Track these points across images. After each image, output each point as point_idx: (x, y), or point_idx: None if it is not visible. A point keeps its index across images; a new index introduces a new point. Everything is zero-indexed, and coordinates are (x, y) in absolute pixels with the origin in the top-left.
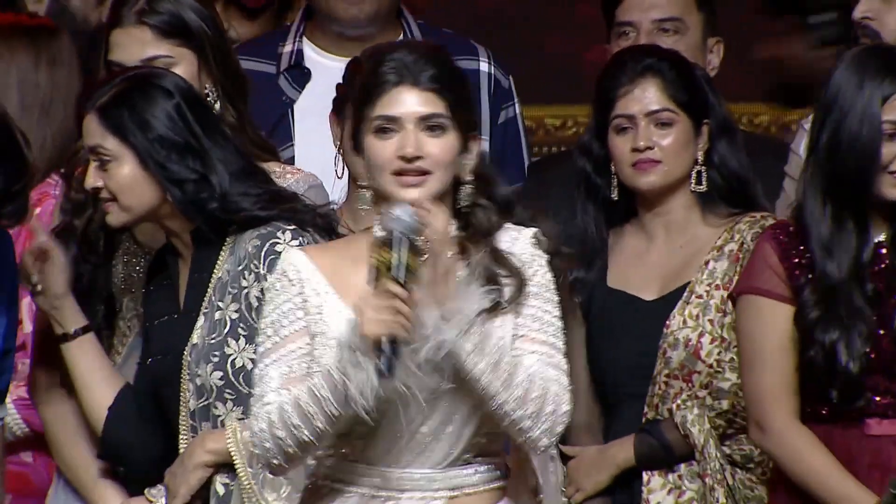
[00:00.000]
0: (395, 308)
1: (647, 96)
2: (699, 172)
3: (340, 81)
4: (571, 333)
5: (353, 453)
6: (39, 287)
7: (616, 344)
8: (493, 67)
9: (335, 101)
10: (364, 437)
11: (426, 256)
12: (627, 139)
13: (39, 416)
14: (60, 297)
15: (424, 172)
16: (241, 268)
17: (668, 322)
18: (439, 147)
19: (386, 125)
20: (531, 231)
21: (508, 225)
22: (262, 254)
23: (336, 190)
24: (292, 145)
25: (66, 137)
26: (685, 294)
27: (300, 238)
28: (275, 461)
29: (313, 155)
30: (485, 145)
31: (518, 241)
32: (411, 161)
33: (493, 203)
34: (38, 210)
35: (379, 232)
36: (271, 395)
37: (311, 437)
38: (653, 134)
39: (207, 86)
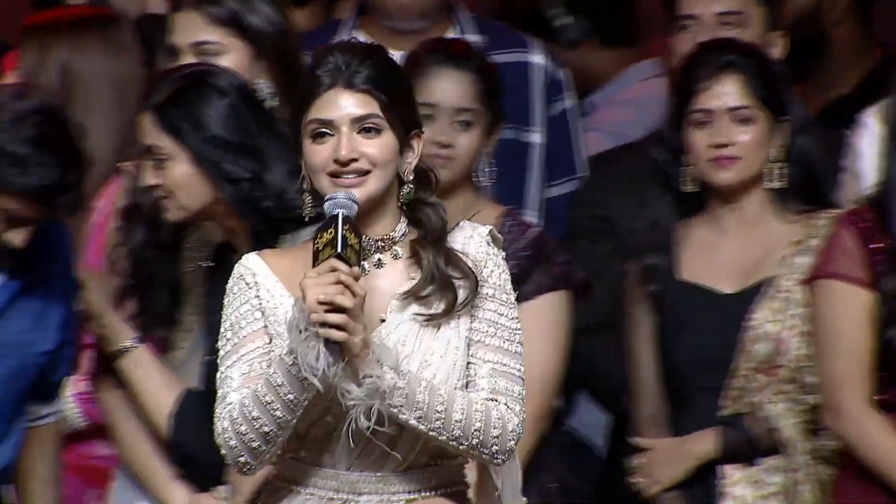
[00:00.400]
0: (337, 279)
1: (728, 92)
2: (776, 169)
3: None
4: (639, 324)
5: (310, 456)
6: (84, 313)
7: (690, 336)
8: (546, 60)
9: None
10: (320, 441)
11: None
12: (706, 134)
13: (100, 406)
14: (103, 316)
15: (364, 172)
16: None
17: (750, 316)
18: (375, 147)
19: (321, 128)
20: (486, 228)
21: (463, 223)
22: None
23: None
24: None
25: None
26: (768, 288)
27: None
28: (241, 458)
29: None
30: (536, 137)
31: (472, 240)
32: (346, 164)
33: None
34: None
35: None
36: (232, 395)
37: (272, 428)
38: (732, 130)
39: (262, 81)
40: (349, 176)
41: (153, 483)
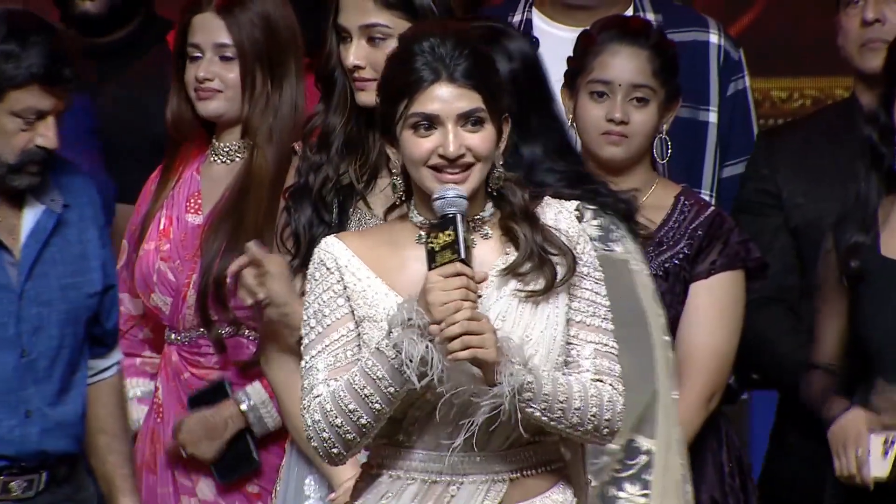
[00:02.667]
0: (464, 286)
1: None
2: None
3: (570, 53)
4: (829, 298)
5: (408, 439)
6: (266, 300)
7: (890, 314)
8: (722, 39)
9: (566, 74)
10: (420, 423)
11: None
12: None
13: (269, 381)
14: (287, 304)
15: (468, 166)
16: None
17: None
18: (479, 140)
19: (424, 121)
20: (573, 204)
21: (549, 199)
22: None
23: None
24: None
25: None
26: None
27: (600, 219)
28: (334, 450)
29: None
30: (712, 117)
31: (562, 215)
32: (454, 161)
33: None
34: None
35: (417, 216)
36: (320, 387)
37: (370, 420)
38: None
39: None
40: (453, 170)
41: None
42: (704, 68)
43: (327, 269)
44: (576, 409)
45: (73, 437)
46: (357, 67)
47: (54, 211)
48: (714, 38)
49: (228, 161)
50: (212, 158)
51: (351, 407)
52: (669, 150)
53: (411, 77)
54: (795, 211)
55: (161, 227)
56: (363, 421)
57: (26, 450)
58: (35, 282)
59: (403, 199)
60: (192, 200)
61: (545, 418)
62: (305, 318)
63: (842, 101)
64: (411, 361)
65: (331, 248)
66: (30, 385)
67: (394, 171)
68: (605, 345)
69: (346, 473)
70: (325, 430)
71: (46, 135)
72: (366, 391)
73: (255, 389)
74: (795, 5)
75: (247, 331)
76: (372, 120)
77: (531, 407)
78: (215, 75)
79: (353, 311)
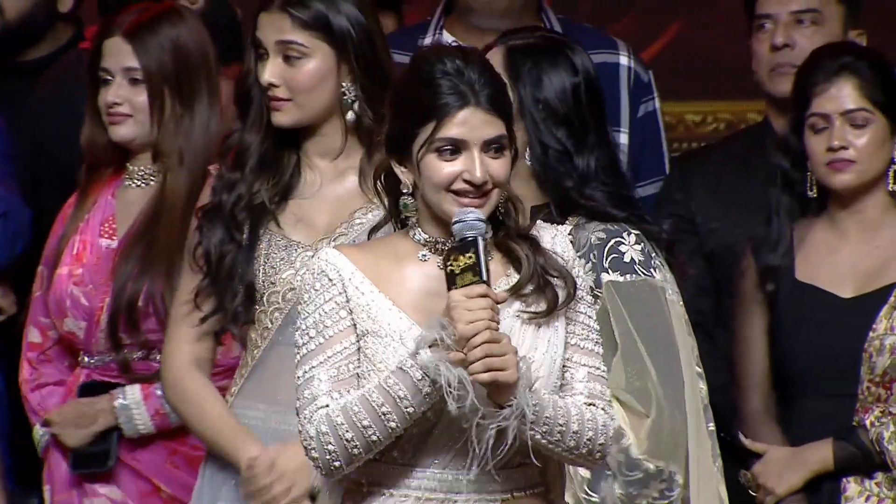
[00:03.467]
0: (489, 306)
1: (843, 96)
2: None
3: None
4: (751, 320)
5: (403, 456)
6: None
7: (804, 338)
8: (632, 61)
9: None
10: (416, 441)
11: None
12: (822, 138)
13: (167, 400)
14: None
15: (487, 191)
16: (579, 255)
17: (874, 326)
18: (501, 166)
19: (449, 147)
20: (567, 228)
21: (541, 223)
22: (605, 248)
23: None
24: None
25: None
26: (892, 298)
27: (643, 244)
28: (335, 464)
29: None
30: (623, 138)
31: (558, 239)
32: (480, 186)
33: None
34: None
35: (421, 234)
36: (324, 399)
37: (381, 437)
38: (847, 133)
39: (345, 84)
40: (475, 195)
41: (219, 442)
42: (615, 90)
43: (329, 279)
44: (573, 432)
45: None
46: (272, 85)
47: None
48: (624, 60)
49: (143, 185)
50: (127, 182)
51: (365, 423)
52: None
53: (438, 100)
54: (710, 236)
55: (75, 251)
56: (374, 438)
57: None
58: None
59: (407, 218)
60: (106, 224)
61: (545, 441)
62: (303, 327)
63: (754, 126)
64: (450, 386)
65: (332, 259)
66: None
67: (404, 190)
68: (598, 368)
69: (251, 451)
70: (331, 443)
71: None
72: (383, 409)
73: (133, 390)
74: (709, 30)
75: (158, 355)
76: (287, 139)
77: (533, 429)
78: (125, 99)
79: (354, 325)
